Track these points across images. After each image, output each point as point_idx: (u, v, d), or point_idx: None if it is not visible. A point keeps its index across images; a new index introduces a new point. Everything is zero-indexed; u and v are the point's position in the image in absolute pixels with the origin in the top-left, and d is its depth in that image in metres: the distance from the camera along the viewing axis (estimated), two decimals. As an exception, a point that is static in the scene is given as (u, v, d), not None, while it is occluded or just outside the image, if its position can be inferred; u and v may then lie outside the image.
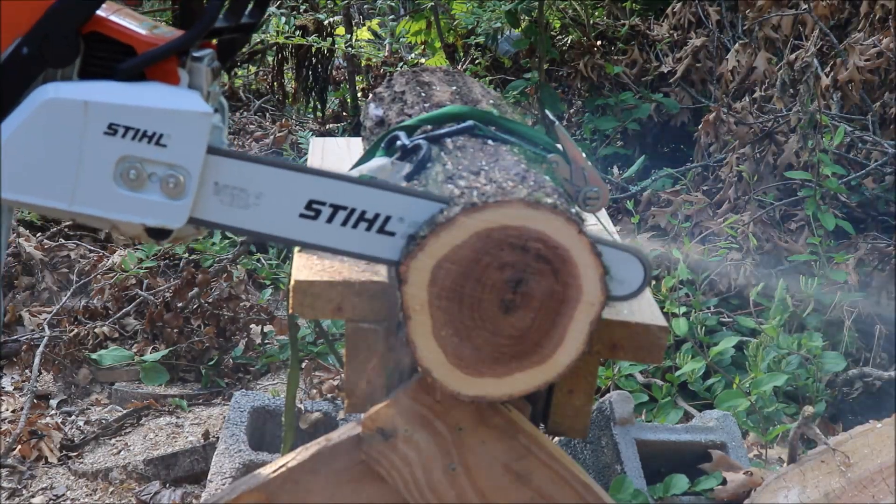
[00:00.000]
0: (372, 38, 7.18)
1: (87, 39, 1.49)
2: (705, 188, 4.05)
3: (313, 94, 6.29)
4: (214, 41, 1.64)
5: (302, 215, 1.50)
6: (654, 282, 3.25)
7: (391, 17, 7.03)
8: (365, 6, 7.13)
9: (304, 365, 3.21)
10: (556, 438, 2.33)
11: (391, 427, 1.57)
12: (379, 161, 1.66)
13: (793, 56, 4.05)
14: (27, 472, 2.83)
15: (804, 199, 3.61)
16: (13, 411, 3.11)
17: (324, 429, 2.54)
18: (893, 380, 3.09)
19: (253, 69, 6.92)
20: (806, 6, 4.15)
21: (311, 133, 5.37)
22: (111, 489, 2.79)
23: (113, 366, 3.33)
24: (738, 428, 2.62)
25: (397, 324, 1.55)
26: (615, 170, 4.32)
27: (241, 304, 3.51)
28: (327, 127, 5.93)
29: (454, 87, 2.01)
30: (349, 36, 6.00)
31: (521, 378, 1.49)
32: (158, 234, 1.52)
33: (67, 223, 4.39)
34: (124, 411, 3.13)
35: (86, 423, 3.09)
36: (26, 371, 3.33)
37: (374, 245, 1.50)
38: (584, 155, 1.79)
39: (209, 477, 2.42)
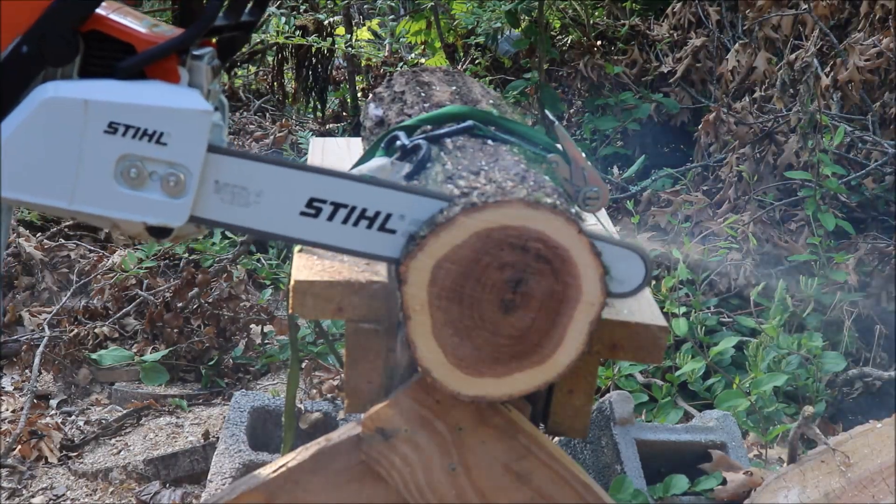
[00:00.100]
0: (372, 38, 7.18)
1: (86, 38, 1.49)
2: (705, 188, 4.05)
3: (313, 94, 6.29)
4: (214, 39, 1.64)
5: (303, 213, 1.50)
6: (654, 282, 3.26)
7: (391, 17, 7.03)
8: (365, 6, 7.13)
9: (304, 365, 3.21)
10: (556, 438, 2.33)
11: (391, 427, 1.57)
12: (379, 161, 1.66)
13: (793, 56, 4.05)
14: (27, 472, 2.83)
15: (804, 199, 3.61)
16: (13, 411, 3.11)
17: (324, 429, 2.54)
18: (893, 380, 3.09)
19: (253, 69, 6.92)
20: (806, 6, 4.15)
21: (311, 133, 5.37)
22: (111, 489, 2.79)
23: (113, 366, 3.33)
24: (738, 428, 2.62)
25: (397, 324, 1.55)
26: (615, 170, 4.32)
27: (241, 304, 3.51)
28: (327, 127, 5.93)
29: (454, 87, 2.01)
30: (349, 36, 6.00)
31: (521, 378, 1.49)
32: (159, 232, 1.52)
33: (67, 223, 4.38)
34: (124, 411, 3.13)
35: (86, 423, 3.09)
36: (26, 371, 3.33)
37: (374, 243, 1.50)
38: (583, 155, 1.79)
39: (209, 477, 2.42)
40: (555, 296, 1.44)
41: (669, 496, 2.40)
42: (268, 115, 6.22)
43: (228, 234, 4.20)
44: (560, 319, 1.46)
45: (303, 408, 2.66)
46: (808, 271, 3.41)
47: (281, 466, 1.62)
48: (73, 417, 3.13)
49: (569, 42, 5.25)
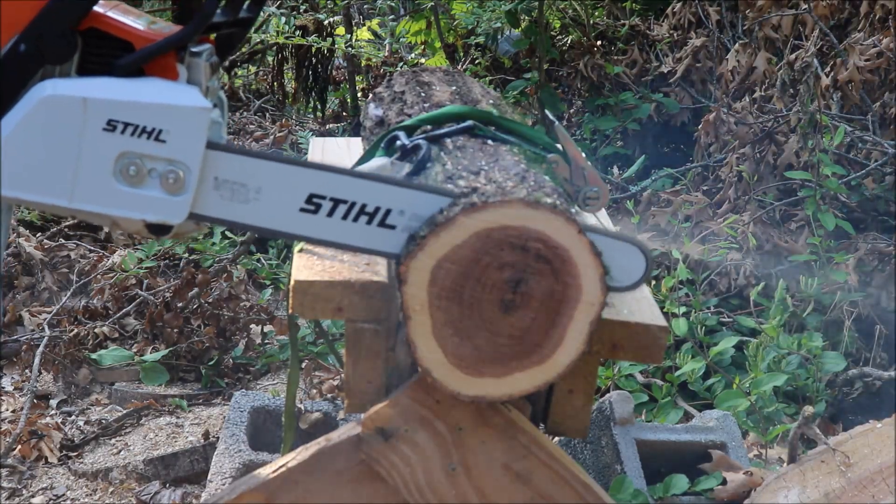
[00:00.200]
0: (372, 38, 7.18)
1: (84, 35, 1.49)
2: (705, 188, 4.05)
3: (313, 94, 6.29)
4: (213, 36, 1.64)
5: (302, 209, 1.50)
6: (654, 282, 3.26)
7: (391, 17, 7.03)
8: (365, 6, 7.13)
9: (304, 365, 3.21)
10: (556, 438, 2.33)
11: (391, 427, 1.57)
12: (379, 161, 1.66)
13: (793, 56, 4.05)
14: (27, 472, 2.83)
15: (804, 199, 3.61)
16: (13, 411, 3.11)
17: (324, 429, 2.54)
18: (893, 380, 3.09)
19: (253, 69, 6.92)
20: (806, 6, 4.15)
21: (311, 133, 5.37)
22: (111, 489, 2.79)
23: (113, 366, 3.33)
24: (738, 428, 2.62)
25: (397, 324, 1.55)
26: (615, 170, 4.32)
27: (241, 304, 3.51)
28: (327, 127, 5.93)
29: (454, 87, 2.01)
30: (349, 36, 6.00)
31: (521, 378, 1.49)
32: (159, 229, 1.52)
33: (68, 223, 4.38)
34: (124, 411, 3.13)
35: (86, 423, 3.09)
36: (26, 371, 3.33)
37: (374, 238, 1.50)
38: (583, 155, 1.79)
39: (209, 477, 2.42)
40: (555, 296, 1.44)
41: (669, 496, 2.40)
42: (268, 115, 6.22)
43: (228, 233, 4.21)
44: (560, 319, 1.46)
45: (303, 408, 2.66)
46: (808, 271, 3.41)
47: (281, 466, 1.62)
48: (73, 417, 3.13)
49: (569, 42, 5.25)
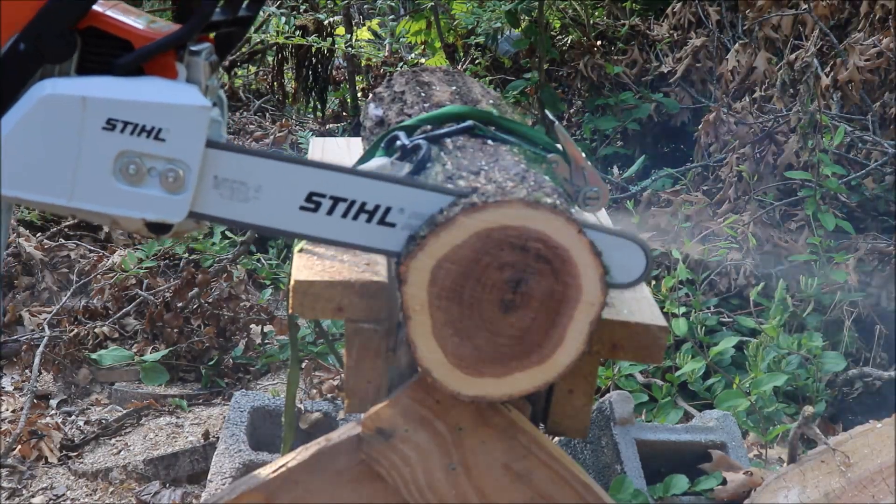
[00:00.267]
0: (372, 38, 7.18)
1: (84, 35, 1.49)
2: (705, 188, 4.05)
3: (313, 94, 6.29)
4: (212, 35, 1.64)
5: (302, 208, 1.50)
6: (654, 282, 3.26)
7: (391, 17, 7.03)
8: (365, 6, 7.13)
9: (304, 365, 3.21)
10: (556, 438, 2.33)
11: (391, 427, 1.57)
12: (379, 161, 1.66)
13: (793, 56, 4.06)
14: (27, 472, 2.83)
15: (804, 199, 3.61)
16: (13, 411, 3.11)
17: (324, 429, 2.54)
18: (893, 380, 3.09)
19: (253, 69, 6.92)
20: (806, 6, 4.15)
21: (311, 133, 5.37)
22: (111, 489, 2.79)
23: (113, 366, 3.33)
24: (738, 428, 2.62)
25: (397, 324, 1.55)
26: (615, 170, 4.32)
27: (241, 304, 3.51)
28: (327, 127, 5.93)
29: (454, 87, 2.01)
30: (349, 36, 6.00)
31: (522, 378, 1.49)
32: (159, 228, 1.52)
33: (68, 223, 4.38)
34: (124, 411, 3.13)
35: (86, 423, 3.09)
36: (26, 371, 3.33)
37: (374, 236, 1.50)
38: (583, 155, 1.79)
39: (209, 477, 2.42)
40: (555, 296, 1.44)
41: (669, 496, 2.40)
42: (268, 115, 6.22)
43: (229, 233, 4.21)
44: (560, 319, 1.46)
45: (303, 408, 2.66)
46: (808, 271, 3.41)
47: (281, 466, 1.62)
48: (73, 417, 3.13)
49: (569, 42, 5.25)
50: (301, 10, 5.96)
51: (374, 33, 7.25)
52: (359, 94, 6.12)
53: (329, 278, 1.55)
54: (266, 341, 3.57)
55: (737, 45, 4.40)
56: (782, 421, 2.81)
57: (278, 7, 5.94)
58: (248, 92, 6.58)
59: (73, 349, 3.32)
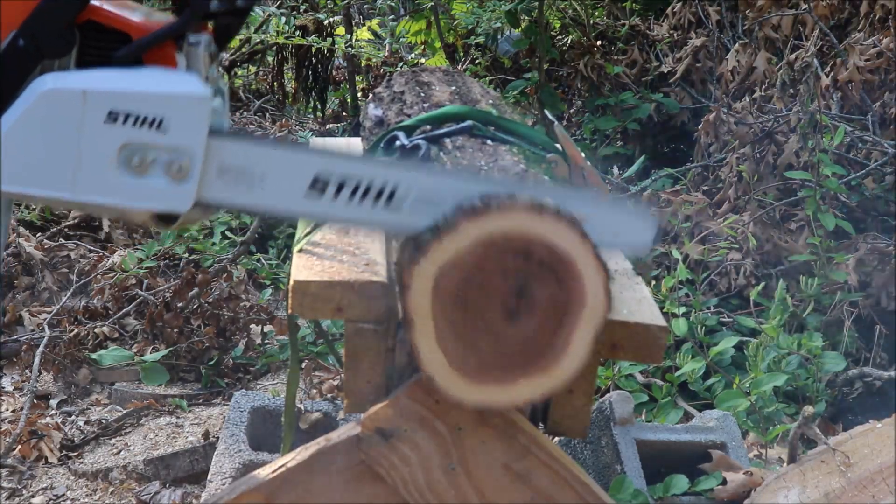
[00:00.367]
0: (372, 38, 7.18)
1: (82, 29, 1.49)
2: (705, 188, 4.05)
3: (313, 94, 6.29)
4: (211, 26, 1.64)
5: (308, 192, 1.49)
6: (654, 282, 3.26)
7: (391, 17, 7.03)
8: (365, 6, 7.13)
9: (304, 365, 3.21)
10: (556, 438, 2.33)
11: (391, 427, 1.57)
12: (378, 161, 1.66)
13: (793, 56, 4.06)
14: (27, 472, 2.83)
15: (804, 199, 3.61)
16: (13, 411, 3.11)
17: (324, 429, 2.54)
18: (893, 380, 3.09)
19: (253, 69, 6.92)
20: (806, 6, 4.15)
21: (310, 133, 5.38)
22: (111, 489, 2.79)
23: (113, 366, 3.33)
24: (738, 428, 2.62)
25: (397, 324, 1.55)
26: (615, 170, 4.32)
27: (241, 304, 3.51)
28: (327, 127, 5.93)
29: (453, 87, 2.01)
30: (349, 36, 6.00)
31: (526, 386, 1.47)
32: (166, 219, 1.51)
33: (68, 223, 4.39)
34: (124, 411, 3.13)
35: (86, 423, 3.09)
36: (26, 371, 3.33)
37: (382, 218, 1.50)
38: (583, 155, 1.79)
39: (209, 477, 2.42)
40: (559, 303, 1.43)
41: (669, 496, 2.40)
42: (268, 115, 6.22)
43: (229, 233, 4.21)
44: (565, 326, 1.44)
45: (303, 408, 2.66)
46: (808, 271, 3.41)
47: (281, 466, 1.62)
48: (73, 417, 3.13)
49: (569, 42, 5.25)
50: (301, 10, 5.96)
51: (374, 33, 7.26)
52: (359, 94, 6.13)
53: (328, 278, 1.55)
54: (266, 341, 3.57)
55: (737, 45, 4.40)
56: (782, 421, 2.81)
57: (278, 7, 5.94)
58: (248, 92, 6.58)
59: (73, 349, 3.32)
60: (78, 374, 3.30)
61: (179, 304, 3.47)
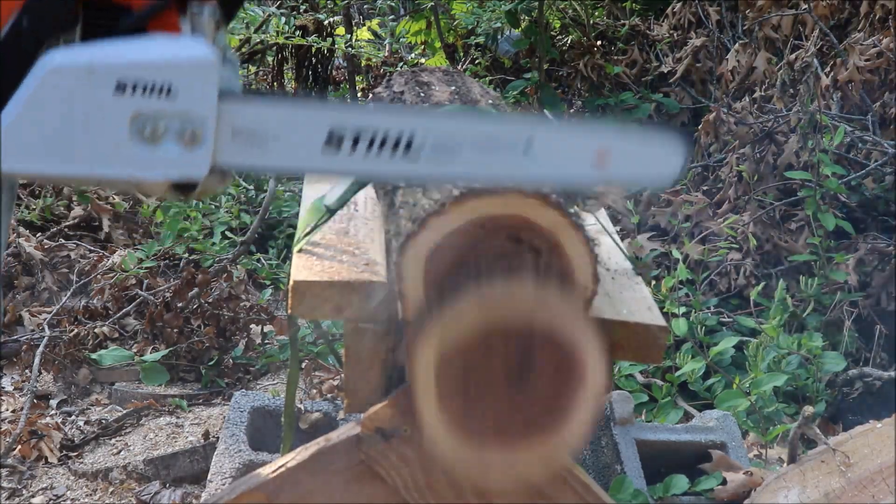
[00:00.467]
0: (372, 38, 7.18)
1: (85, 4, 1.48)
2: (705, 188, 4.05)
3: (313, 94, 6.29)
4: None
5: (324, 148, 1.48)
6: (654, 282, 3.26)
7: (391, 17, 7.03)
8: (365, 6, 7.13)
9: (304, 365, 3.21)
10: (556, 438, 2.33)
11: (391, 427, 1.57)
12: (378, 161, 1.66)
13: (793, 56, 4.06)
14: (27, 472, 2.83)
15: (804, 199, 3.61)
16: (13, 411, 3.11)
17: (324, 429, 2.54)
18: (893, 380, 3.09)
19: (253, 69, 6.92)
20: (806, 6, 4.15)
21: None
22: (111, 489, 2.79)
23: (113, 366, 3.33)
24: (738, 428, 2.62)
25: (397, 324, 1.55)
26: (615, 170, 4.31)
27: (241, 304, 3.51)
28: (327, 127, 5.91)
29: (453, 87, 2.01)
30: (349, 36, 6.00)
31: None
32: (184, 189, 1.49)
33: (68, 223, 4.39)
34: (124, 411, 3.13)
35: (86, 423, 3.09)
36: (26, 371, 3.33)
37: (401, 169, 1.48)
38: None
39: (209, 477, 2.42)
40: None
41: (669, 496, 2.40)
42: (268, 115, 6.21)
43: (229, 233, 4.21)
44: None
45: (303, 408, 2.66)
46: (808, 271, 3.41)
47: (281, 466, 1.62)
48: (73, 417, 3.13)
49: (569, 42, 5.26)
50: (301, 10, 5.96)
51: (374, 33, 7.26)
52: (359, 94, 6.12)
53: (328, 278, 1.55)
54: (266, 341, 3.57)
55: (737, 45, 4.40)
56: (782, 421, 2.81)
57: (278, 7, 5.94)
58: (248, 92, 6.57)
59: (73, 349, 3.32)
60: (78, 374, 3.30)
61: (179, 304, 3.47)
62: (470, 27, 5.59)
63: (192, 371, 3.38)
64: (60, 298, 3.72)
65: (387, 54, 6.73)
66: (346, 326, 1.58)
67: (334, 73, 6.57)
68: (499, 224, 1.41)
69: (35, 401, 3.13)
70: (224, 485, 2.33)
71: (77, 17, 1.47)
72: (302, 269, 1.58)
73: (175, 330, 3.40)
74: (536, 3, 4.72)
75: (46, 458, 2.88)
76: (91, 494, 2.77)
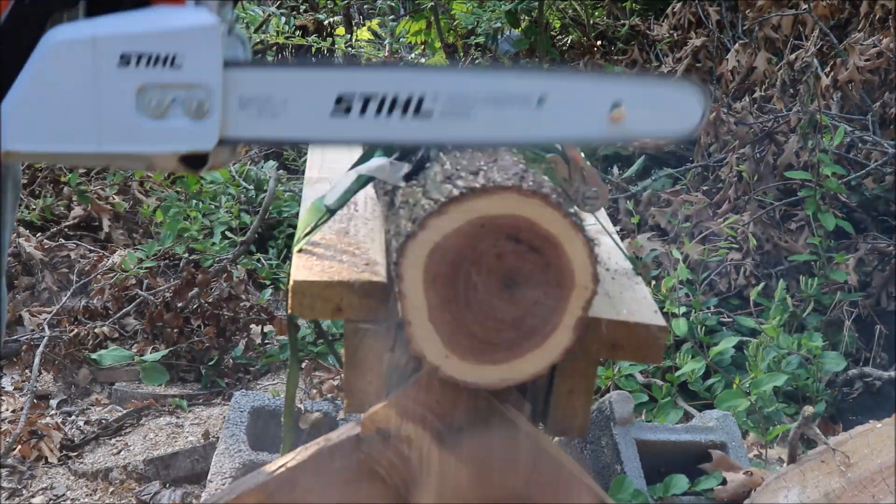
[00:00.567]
0: (372, 38, 7.18)
1: None
2: (705, 188, 4.05)
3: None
4: None
5: (334, 113, 1.45)
6: (654, 282, 3.26)
7: (391, 17, 7.03)
8: (365, 6, 7.13)
9: (304, 365, 3.21)
10: (556, 438, 2.33)
11: (391, 427, 1.57)
12: (377, 161, 1.66)
13: (793, 56, 4.06)
14: (27, 472, 2.83)
15: (804, 199, 3.61)
16: (13, 411, 3.11)
17: (324, 429, 2.54)
18: (893, 380, 3.09)
19: (253, 69, 6.92)
20: (806, 6, 4.15)
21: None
22: (111, 489, 2.79)
23: (113, 366, 3.33)
24: (738, 428, 2.62)
25: (397, 324, 1.56)
26: (615, 170, 4.32)
27: (241, 304, 3.51)
28: (327, 127, 5.92)
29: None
30: (349, 36, 6.01)
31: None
32: (194, 162, 1.47)
33: (68, 223, 4.38)
34: (124, 411, 3.13)
35: (86, 423, 3.10)
36: (26, 371, 3.33)
37: (413, 130, 1.47)
38: (582, 155, 1.79)
39: (209, 477, 2.42)
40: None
41: (669, 496, 2.40)
42: (268, 115, 6.21)
43: (229, 233, 4.21)
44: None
45: (303, 408, 2.66)
46: (808, 271, 3.41)
47: (281, 466, 1.62)
48: (73, 417, 3.13)
49: (569, 42, 5.26)
50: (301, 10, 5.96)
51: (374, 33, 7.26)
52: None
53: (328, 279, 1.55)
54: (266, 341, 3.57)
55: (737, 45, 4.40)
56: (782, 421, 2.81)
57: (278, 7, 5.94)
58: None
59: (73, 349, 3.32)
60: (78, 374, 3.30)
61: (179, 304, 3.47)
62: (470, 27, 5.59)
63: (192, 371, 3.39)
64: (60, 298, 3.72)
65: (387, 54, 6.73)
66: (346, 326, 1.58)
67: (334, 73, 6.56)
68: (499, 224, 1.41)
69: (35, 401, 3.13)
70: (224, 485, 2.33)
71: None
72: (302, 269, 1.58)
73: (175, 330, 3.40)
74: (536, 3, 4.72)
75: (46, 458, 2.88)
76: (91, 494, 2.77)
